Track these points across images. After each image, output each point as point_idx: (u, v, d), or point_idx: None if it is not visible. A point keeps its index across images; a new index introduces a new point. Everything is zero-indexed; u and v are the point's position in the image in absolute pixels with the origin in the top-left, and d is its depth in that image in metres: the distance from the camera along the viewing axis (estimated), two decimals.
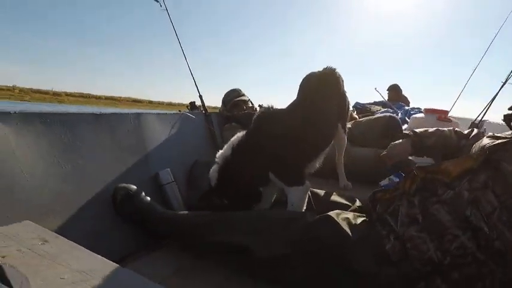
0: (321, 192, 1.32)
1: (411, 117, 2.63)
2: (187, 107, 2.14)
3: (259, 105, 2.24)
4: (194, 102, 2.12)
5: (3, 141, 1.02)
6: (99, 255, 0.78)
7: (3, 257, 0.73)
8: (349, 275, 0.81)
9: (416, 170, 0.82)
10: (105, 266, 0.73)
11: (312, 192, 1.24)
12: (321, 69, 1.41)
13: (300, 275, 0.89)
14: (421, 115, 2.59)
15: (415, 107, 3.29)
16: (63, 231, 1.10)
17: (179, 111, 2.00)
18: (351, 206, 1.16)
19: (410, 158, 1.66)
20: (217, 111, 2.25)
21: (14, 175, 1.02)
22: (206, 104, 2.08)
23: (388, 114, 2.12)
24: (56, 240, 0.84)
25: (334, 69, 1.41)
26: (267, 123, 1.22)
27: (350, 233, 0.86)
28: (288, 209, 1.15)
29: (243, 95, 2.19)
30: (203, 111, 2.05)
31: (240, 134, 1.22)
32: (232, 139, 1.22)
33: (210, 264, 1.09)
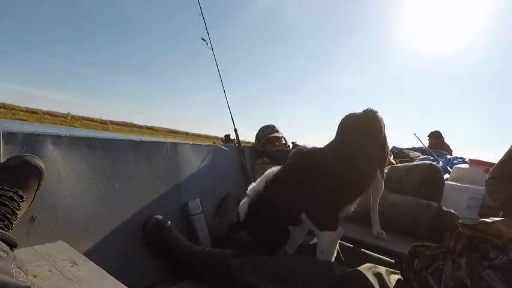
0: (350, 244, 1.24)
1: (454, 167, 2.48)
2: (222, 139, 2.19)
3: (293, 143, 2.24)
4: (229, 135, 2.17)
5: (52, 162, 1.09)
6: (123, 285, 0.78)
7: (35, 276, 0.76)
8: None
9: (461, 227, 0.75)
10: None
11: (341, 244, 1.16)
12: (360, 111, 1.39)
13: None
14: (466, 166, 2.43)
15: (459, 156, 3.10)
16: (94, 252, 1.13)
17: (213, 142, 2.05)
18: (384, 260, 1.07)
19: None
20: (251, 145, 2.28)
21: (57, 195, 1.08)
22: (241, 138, 2.12)
23: (429, 161, 2.01)
24: (84, 263, 0.86)
25: (376, 112, 1.38)
26: (305, 160, 1.18)
27: None
28: (317, 254, 1.08)
29: (277, 131, 2.20)
30: (237, 145, 2.09)
31: (274, 169, 1.18)
32: (267, 173, 1.19)
33: None
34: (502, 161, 1.47)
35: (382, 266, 0.95)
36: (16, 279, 0.52)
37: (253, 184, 1.20)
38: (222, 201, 1.79)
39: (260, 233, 1.16)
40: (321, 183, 1.10)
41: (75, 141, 1.19)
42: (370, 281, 0.81)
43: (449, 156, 3.13)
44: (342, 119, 1.38)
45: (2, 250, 0.60)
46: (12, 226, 0.74)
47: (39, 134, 1.09)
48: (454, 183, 2.13)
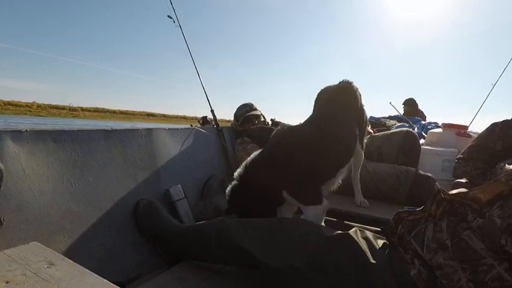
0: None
1: (428, 132, 2.56)
2: (199, 121, 2.13)
3: (272, 120, 2.21)
4: (206, 116, 2.11)
5: (14, 160, 1.01)
6: (105, 280, 0.74)
7: (7, 282, 0.71)
8: None
9: (443, 193, 0.76)
10: None
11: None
12: (336, 82, 1.37)
13: None
14: (439, 130, 2.51)
15: (432, 121, 3.20)
16: (73, 250, 1.08)
17: (191, 125, 1.99)
18: (369, 229, 1.09)
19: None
20: (230, 125, 2.23)
21: (24, 194, 1.01)
22: (219, 117, 2.07)
23: (405, 128, 2.05)
24: (62, 262, 0.81)
25: (351, 83, 1.37)
26: (282, 139, 1.18)
27: (370, 256, 0.80)
28: None
29: (255, 109, 2.17)
30: (215, 126, 2.04)
31: (256, 152, 1.20)
32: (248, 158, 1.20)
33: (228, 283, 1.04)
34: (470, 146, 1.82)
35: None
36: None
37: (238, 169, 1.20)
38: (205, 185, 1.76)
39: (247, 215, 1.15)
40: (299, 160, 1.10)
41: (38, 136, 1.11)
42: (358, 243, 0.82)
43: (423, 122, 3.23)
44: (318, 93, 1.37)
45: None
46: None
47: None
48: (429, 147, 2.20)
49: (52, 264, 0.80)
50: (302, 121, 1.30)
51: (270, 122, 2.20)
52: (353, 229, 0.92)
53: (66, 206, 1.11)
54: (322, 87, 1.39)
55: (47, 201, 1.07)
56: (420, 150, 1.82)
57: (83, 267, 0.79)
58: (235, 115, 2.17)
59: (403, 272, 0.76)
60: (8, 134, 1.03)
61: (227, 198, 1.18)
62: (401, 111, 3.74)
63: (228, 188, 1.19)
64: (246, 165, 1.17)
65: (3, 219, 0.94)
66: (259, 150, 1.20)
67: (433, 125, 3.02)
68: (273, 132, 1.25)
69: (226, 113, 2.31)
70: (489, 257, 0.65)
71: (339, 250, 0.83)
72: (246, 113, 2.10)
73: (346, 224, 1.18)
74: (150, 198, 1.33)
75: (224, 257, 1.03)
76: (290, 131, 1.22)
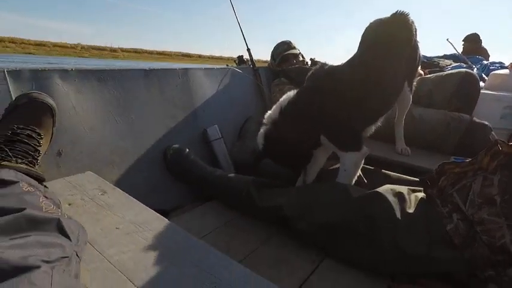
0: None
1: (491, 73, 2.25)
2: (234, 61, 2.08)
3: (311, 59, 2.08)
4: (242, 56, 2.04)
5: (65, 97, 1.08)
6: (150, 209, 0.82)
7: (70, 204, 0.81)
8: (399, 256, 0.75)
9: (500, 144, 0.69)
10: (155, 219, 0.77)
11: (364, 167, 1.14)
12: (388, 15, 1.19)
13: (342, 248, 0.86)
14: (505, 71, 2.20)
15: (496, 61, 2.78)
16: (120, 180, 1.20)
17: (226, 65, 1.95)
18: (407, 179, 1.06)
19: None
20: (267, 65, 2.15)
21: (76, 129, 1.10)
22: (256, 57, 1.99)
23: (463, 69, 1.81)
24: (113, 191, 0.90)
25: (407, 15, 1.17)
26: (322, 81, 1.09)
27: (400, 214, 0.78)
28: (340, 174, 1.07)
29: (294, 47, 2.03)
30: (251, 66, 1.98)
31: (290, 93, 1.12)
32: (282, 99, 1.13)
33: (253, 221, 1.11)
34: None
35: (405, 185, 0.94)
36: (45, 212, 0.54)
37: (269, 112, 1.15)
38: (243, 126, 1.78)
39: (280, 160, 1.15)
40: (340, 106, 1.03)
41: (83, 75, 1.16)
42: (389, 201, 0.80)
43: (485, 62, 2.82)
44: (367, 27, 1.20)
45: (30, 185, 0.62)
46: (37, 162, 0.76)
47: (45, 70, 1.05)
48: (489, 91, 1.97)
49: (105, 192, 0.90)
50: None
51: (309, 62, 2.08)
52: (385, 186, 0.90)
53: (114, 141, 1.20)
54: (372, 21, 1.22)
55: (97, 136, 1.16)
56: (479, 95, 1.62)
57: (130, 196, 0.88)
58: (272, 54, 2.07)
59: (438, 227, 0.74)
60: (57, 72, 1.08)
61: (260, 143, 1.14)
62: (460, 50, 3.27)
63: (260, 133, 1.14)
64: (280, 107, 1.10)
65: (62, 150, 1.05)
66: (295, 91, 1.11)
67: (497, 65, 2.64)
68: (311, 72, 1.14)
69: (264, 53, 2.20)
70: None
71: (368, 209, 0.82)
72: (283, 52, 1.99)
73: (384, 173, 1.13)
74: (176, 145, 1.36)
75: (253, 214, 1.09)
76: (331, 70, 1.11)
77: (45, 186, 0.72)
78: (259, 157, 1.16)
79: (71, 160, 1.07)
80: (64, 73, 1.10)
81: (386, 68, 1.12)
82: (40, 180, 0.71)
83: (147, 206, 0.84)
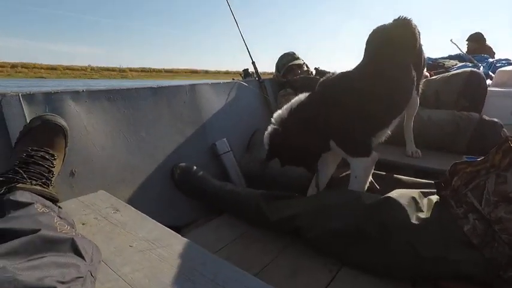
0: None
1: (497, 70, 2.22)
2: (240, 74, 2.10)
3: (316, 69, 2.09)
4: (247, 69, 2.07)
5: (76, 118, 1.11)
6: (162, 225, 0.82)
7: (83, 224, 0.82)
8: (416, 260, 0.73)
9: (511, 140, 0.67)
10: (168, 236, 0.77)
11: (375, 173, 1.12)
12: (390, 21, 1.20)
13: (358, 256, 0.84)
14: (511, 68, 2.16)
15: (503, 58, 2.75)
16: (134, 198, 1.21)
17: (233, 79, 1.97)
18: (420, 183, 1.04)
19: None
20: (272, 76, 2.17)
21: (88, 149, 1.12)
22: (261, 70, 2.02)
23: (469, 68, 1.79)
24: (125, 209, 0.91)
25: (409, 20, 1.18)
26: (332, 87, 1.09)
27: (414, 218, 0.77)
28: (351, 181, 1.07)
29: (298, 58, 2.05)
30: (257, 78, 2.00)
31: (301, 96, 1.12)
32: (292, 101, 1.12)
33: (267, 232, 1.10)
34: None
35: (418, 188, 0.92)
36: (60, 232, 0.55)
37: (278, 112, 1.14)
38: (251, 138, 1.79)
39: (287, 160, 1.14)
40: (350, 108, 1.03)
41: (94, 95, 1.19)
42: (402, 206, 0.79)
43: (491, 60, 2.79)
44: (370, 34, 1.20)
45: (45, 206, 0.63)
46: (51, 183, 0.78)
47: (57, 92, 1.09)
48: (497, 89, 1.93)
49: (117, 210, 0.90)
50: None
51: (313, 72, 2.09)
52: (397, 190, 0.89)
53: (125, 159, 1.22)
54: (376, 27, 1.23)
55: (108, 154, 1.18)
56: (486, 93, 1.60)
57: (142, 213, 0.88)
58: (277, 65, 2.09)
59: (453, 229, 0.72)
60: (68, 94, 1.12)
61: (266, 144, 1.13)
62: (465, 50, 3.24)
63: (267, 133, 1.13)
64: (290, 109, 1.09)
65: (75, 170, 1.07)
66: (306, 95, 1.11)
67: (504, 62, 2.60)
68: (323, 78, 1.14)
69: (269, 66, 2.22)
70: None
71: (381, 215, 0.81)
72: (288, 63, 2.01)
73: (395, 177, 1.11)
74: (182, 164, 1.36)
75: (265, 227, 1.09)
76: (341, 76, 1.12)
77: (59, 206, 0.73)
78: (267, 158, 1.14)
79: (83, 179, 1.09)
80: (75, 94, 1.13)
81: (395, 70, 1.12)
82: (54, 200, 0.73)
83: (159, 222, 0.85)
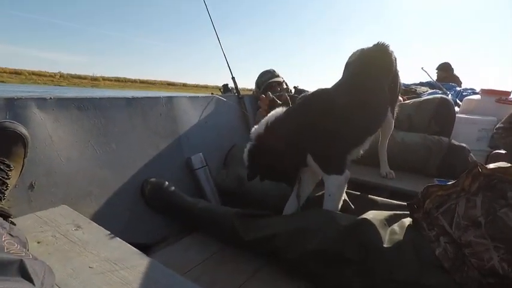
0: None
1: (464, 99, 2.37)
2: (220, 89, 2.09)
3: (295, 87, 2.13)
4: (227, 84, 2.06)
5: (40, 127, 1.04)
6: (128, 244, 0.77)
7: (39, 242, 0.75)
8: (390, 285, 0.72)
9: (480, 167, 0.69)
10: (133, 256, 0.72)
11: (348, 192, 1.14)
12: (369, 45, 1.25)
13: (332, 277, 0.83)
14: (477, 97, 2.31)
15: (468, 87, 2.96)
16: (100, 213, 1.13)
17: (211, 93, 1.95)
18: (394, 204, 1.05)
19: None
20: (252, 93, 2.18)
21: (51, 160, 1.05)
22: (242, 87, 2.02)
23: (439, 95, 1.89)
24: (89, 226, 0.85)
25: (387, 45, 1.24)
26: (311, 102, 1.10)
27: (388, 242, 0.78)
28: (325, 199, 1.06)
29: (278, 75, 2.08)
30: (236, 94, 1.99)
31: (279, 110, 1.11)
32: (269, 115, 1.12)
33: (241, 252, 1.06)
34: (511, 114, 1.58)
35: (392, 209, 0.93)
36: (7, 252, 0.49)
37: (255, 127, 1.14)
38: (228, 154, 1.76)
39: (265, 174, 1.13)
40: (328, 125, 1.04)
41: (62, 103, 1.13)
42: (376, 229, 0.80)
43: (458, 88, 3.00)
44: (351, 56, 1.26)
45: None
46: (4, 196, 0.71)
47: (21, 98, 1.02)
48: (464, 115, 2.05)
49: (79, 227, 0.84)
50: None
51: (292, 90, 2.12)
52: (370, 212, 0.90)
53: (92, 171, 1.15)
54: (354, 50, 1.28)
55: (73, 166, 1.10)
56: (455, 119, 1.69)
57: (107, 231, 0.82)
58: (257, 82, 2.11)
59: (427, 252, 0.72)
60: (34, 101, 1.05)
61: (246, 161, 1.12)
62: (434, 77, 3.47)
63: (246, 150, 1.12)
64: (266, 124, 1.09)
65: (34, 183, 0.99)
66: (282, 109, 1.11)
67: (469, 91, 2.79)
68: (302, 94, 1.17)
69: (250, 84, 2.22)
70: None
71: (356, 237, 0.82)
72: (267, 80, 2.03)
73: (370, 198, 1.12)
74: (153, 179, 1.30)
75: (239, 246, 1.06)
76: (320, 93, 1.13)
77: (11, 222, 0.67)
78: (248, 176, 1.13)
79: (44, 193, 1.01)
80: (42, 102, 1.06)
81: (372, 91, 1.16)
82: (6, 216, 0.66)
83: (127, 240, 0.79)
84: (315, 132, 1.04)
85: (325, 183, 1.07)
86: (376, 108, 1.19)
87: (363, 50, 1.24)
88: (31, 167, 0.99)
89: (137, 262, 0.69)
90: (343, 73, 1.23)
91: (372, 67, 1.19)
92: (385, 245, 0.76)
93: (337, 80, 1.21)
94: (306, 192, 1.19)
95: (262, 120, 1.12)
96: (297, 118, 1.07)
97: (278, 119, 1.08)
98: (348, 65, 1.23)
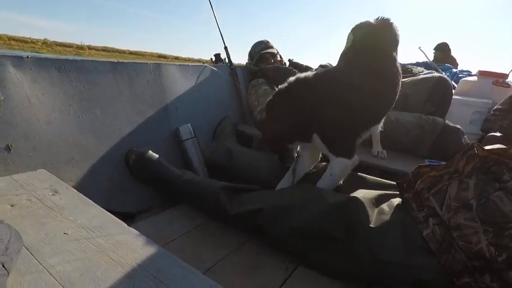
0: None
1: (461, 80, 2.33)
2: (211, 59, 2.01)
3: (289, 60, 2.05)
4: (219, 54, 1.97)
5: (17, 87, 0.98)
6: (108, 212, 0.74)
7: (12, 205, 0.71)
8: (375, 264, 0.72)
9: (476, 148, 0.67)
10: (112, 224, 0.69)
11: None
12: (370, 19, 1.15)
13: (317, 255, 0.82)
14: (473, 78, 2.28)
15: (464, 69, 2.91)
16: (82, 180, 1.10)
17: (202, 63, 1.88)
18: (384, 183, 1.03)
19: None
20: (245, 65, 2.10)
21: (30, 123, 0.99)
22: (236, 62, 1.93)
23: (437, 74, 1.84)
24: (66, 191, 0.81)
25: (392, 22, 1.15)
26: (326, 79, 1.04)
27: (375, 221, 0.76)
28: (324, 177, 1.03)
29: (271, 47, 2.00)
30: (228, 65, 1.92)
31: (306, 74, 1.05)
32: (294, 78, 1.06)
33: (226, 226, 1.05)
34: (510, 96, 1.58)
35: (382, 189, 0.91)
36: None
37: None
38: (218, 126, 1.71)
39: (268, 140, 1.14)
40: (341, 109, 0.98)
41: (41, 63, 1.05)
42: (365, 208, 0.78)
43: (454, 70, 2.94)
44: (356, 30, 1.16)
45: None
46: None
47: None
48: (460, 97, 2.02)
49: (57, 192, 0.80)
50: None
51: (287, 63, 2.05)
52: (360, 191, 0.88)
53: (74, 137, 1.10)
54: (358, 24, 1.17)
55: (54, 131, 1.05)
56: (451, 99, 1.65)
57: (86, 198, 0.79)
58: (250, 53, 2.02)
59: (414, 233, 0.71)
60: (9, 59, 0.98)
61: (272, 97, 1.08)
62: (431, 58, 3.39)
63: (283, 86, 1.07)
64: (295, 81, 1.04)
65: (11, 145, 0.94)
66: (311, 74, 1.04)
67: (466, 73, 2.75)
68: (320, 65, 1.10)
69: (244, 59, 2.13)
70: None
71: (344, 216, 0.80)
72: (261, 51, 1.95)
73: (360, 176, 1.11)
74: (137, 148, 1.26)
75: (223, 220, 1.05)
76: (335, 70, 1.09)
77: None
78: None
79: (22, 156, 0.96)
80: (18, 60, 0.99)
81: (387, 71, 1.10)
82: None
83: (109, 209, 0.76)
84: (328, 111, 0.99)
85: (330, 163, 1.04)
86: (392, 87, 1.13)
87: (369, 23, 1.14)
88: (8, 128, 0.94)
89: (116, 231, 0.67)
90: (351, 48, 1.15)
91: (384, 44, 1.13)
92: (371, 225, 0.75)
93: (343, 56, 1.15)
94: (303, 170, 1.16)
95: (291, 79, 1.06)
96: (309, 92, 1.01)
97: (304, 79, 1.03)
98: (356, 40, 1.14)
